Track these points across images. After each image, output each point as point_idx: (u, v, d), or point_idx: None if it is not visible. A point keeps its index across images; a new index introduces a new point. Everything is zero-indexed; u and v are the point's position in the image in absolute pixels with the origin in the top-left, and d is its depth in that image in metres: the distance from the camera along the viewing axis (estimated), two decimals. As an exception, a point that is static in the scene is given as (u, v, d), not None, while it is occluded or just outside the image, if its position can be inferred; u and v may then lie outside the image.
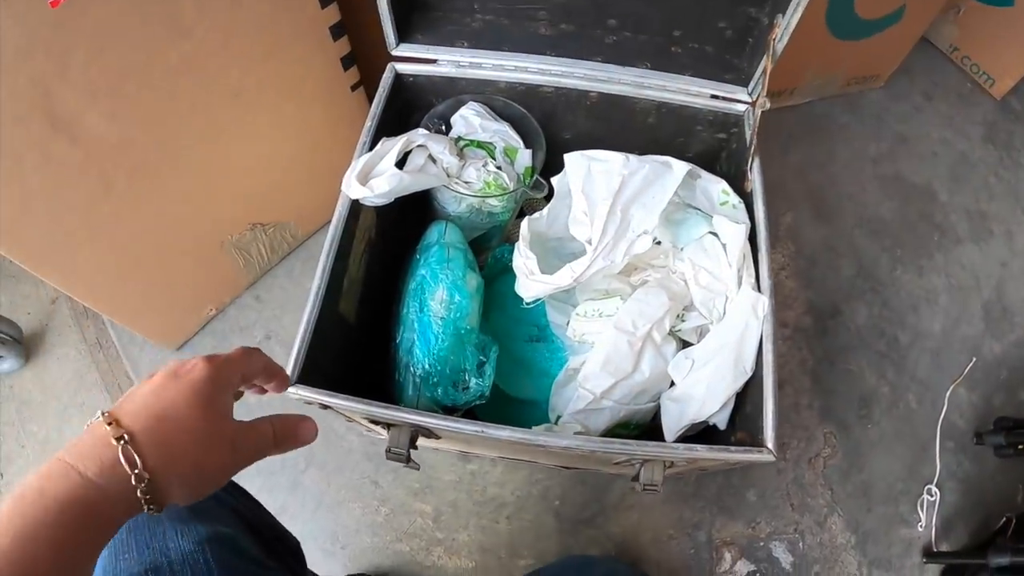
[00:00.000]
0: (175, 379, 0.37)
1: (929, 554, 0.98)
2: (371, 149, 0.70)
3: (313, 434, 0.43)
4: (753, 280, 0.66)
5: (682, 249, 0.72)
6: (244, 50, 0.79)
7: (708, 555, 0.97)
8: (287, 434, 0.41)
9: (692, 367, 0.66)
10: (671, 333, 0.70)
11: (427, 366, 0.65)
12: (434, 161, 0.72)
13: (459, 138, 0.77)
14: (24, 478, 0.32)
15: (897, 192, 1.27)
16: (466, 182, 0.74)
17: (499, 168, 0.75)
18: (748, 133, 0.74)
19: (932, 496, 1.01)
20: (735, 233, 0.66)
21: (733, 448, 0.59)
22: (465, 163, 0.74)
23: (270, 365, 0.44)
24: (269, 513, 0.59)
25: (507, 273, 0.89)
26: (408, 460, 0.63)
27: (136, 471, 0.33)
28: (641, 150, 0.83)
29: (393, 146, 0.69)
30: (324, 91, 0.93)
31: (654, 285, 0.71)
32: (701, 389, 0.64)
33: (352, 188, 0.66)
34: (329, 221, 0.66)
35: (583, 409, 0.68)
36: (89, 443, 0.33)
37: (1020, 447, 0.99)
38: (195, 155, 0.86)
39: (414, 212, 0.84)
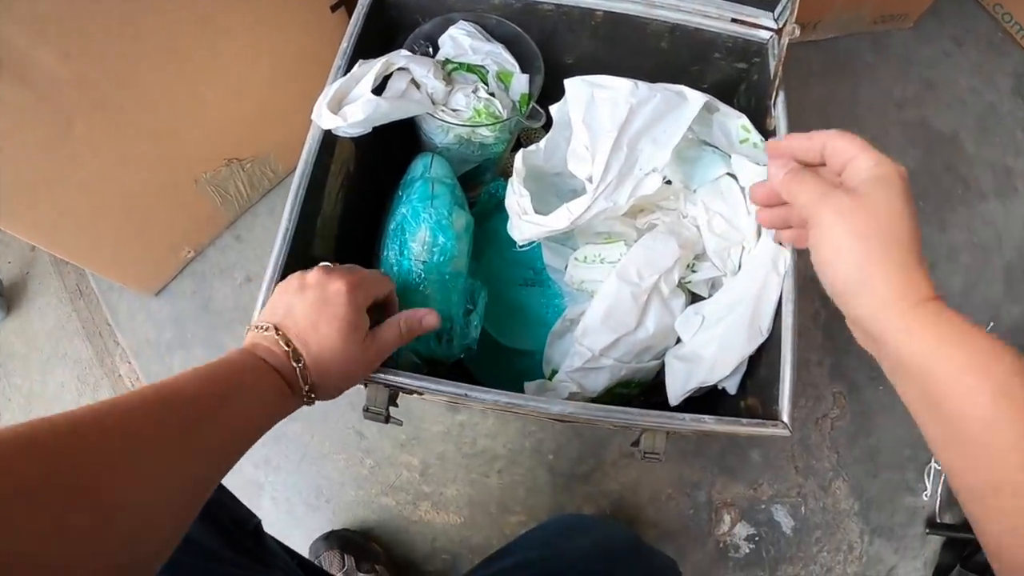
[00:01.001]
0: (326, 304, 0.44)
1: (932, 525, 0.96)
2: (347, 74, 0.62)
3: (438, 320, 0.52)
4: None
5: (695, 191, 0.64)
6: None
7: (707, 516, 0.95)
8: (412, 327, 0.51)
9: (702, 324, 0.60)
10: (680, 285, 0.64)
11: (407, 315, 0.58)
12: (417, 86, 0.64)
13: (447, 61, 0.69)
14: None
15: (922, 140, 1.20)
16: (454, 110, 0.66)
17: (491, 94, 0.67)
18: (772, 64, 0.66)
19: (939, 465, 0.97)
20: (756, 175, 0.59)
21: (744, 421, 0.54)
22: (453, 88, 0.66)
23: (391, 296, 0.52)
24: (228, 495, 0.55)
25: (501, 211, 0.82)
26: (388, 419, 0.58)
27: (306, 387, 0.43)
28: (650, 78, 0.75)
29: (370, 69, 0.61)
30: (301, 12, 0.84)
31: (663, 230, 0.63)
32: (711, 349, 0.58)
33: (323, 117, 0.59)
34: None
35: (580, 367, 0.63)
36: (268, 349, 0.43)
37: (1031, 419, 0.95)
38: (160, 88, 0.78)
39: (400, 142, 0.76)
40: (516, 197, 0.61)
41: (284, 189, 1.06)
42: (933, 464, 0.98)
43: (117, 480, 0.30)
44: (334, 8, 0.86)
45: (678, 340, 0.63)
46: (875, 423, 1.00)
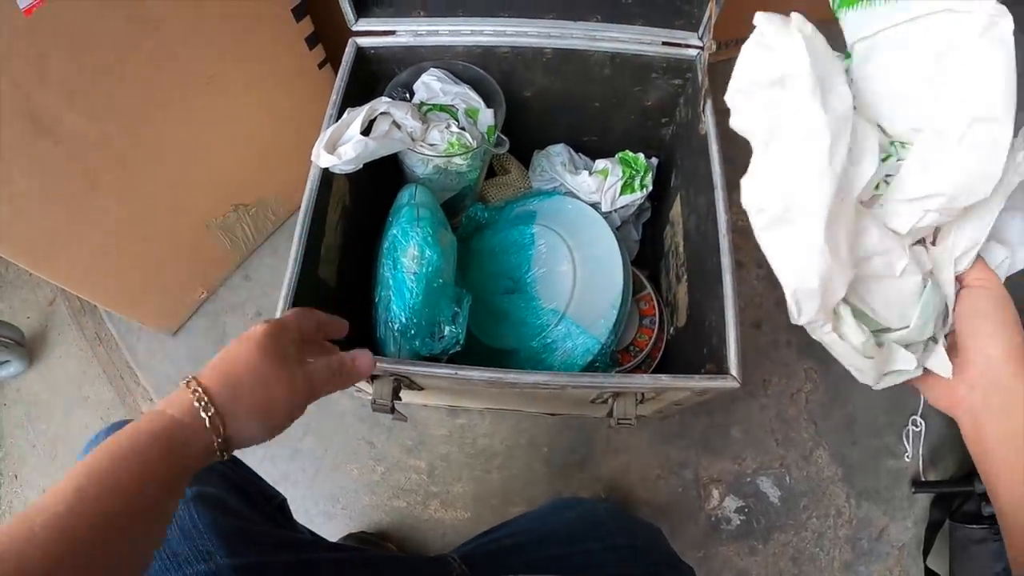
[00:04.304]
0: (240, 342, 0.44)
1: (918, 484, 0.99)
2: (338, 120, 0.73)
3: (370, 365, 0.51)
4: None
5: None
6: (212, 38, 0.82)
7: (696, 492, 1.00)
8: (343, 369, 0.50)
9: None
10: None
11: (404, 319, 0.68)
12: (398, 127, 0.75)
13: (422, 103, 0.80)
14: (38, 476, 0.38)
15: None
16: (431, 144, 0.76)
17: (462, 129, 0.77)
18: (700, 77, 0.77)
19: (917, 427, 1.02)
20: None
21: (697, 376, 0.61)
22: (428, 126, 0.77)
23: (322, 317, 0.54)
24: (257, 476, 0.63)
25: (481, 231, 0.92)
26: (393, 411, 0.66)
27: (210, 413, 0.40)
28: (601, 101, 0.86)
29: (358, 115, 0.72)
30: (292, 71, 0.96)
31: None
32: None
33: (321, 157, 0.69)
34: (309, 195, 0.69)
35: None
36: (176, 396, 0.41)
37: (1004, 374, 1.00)
38: (173, 143, 0.89)
39: (387, 178, 0.87)
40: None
41: (285, 231, 1.17)
42: (911, 427, 1.01)
43: None
44: (321, 65, 0.98)
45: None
46: (848, 394, 1.04)
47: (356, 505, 0.99)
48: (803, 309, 0.40)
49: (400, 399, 0.67)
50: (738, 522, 1.00)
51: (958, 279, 0.42)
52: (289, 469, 1.01)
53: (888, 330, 0.43)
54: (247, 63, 0.89)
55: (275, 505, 0.61)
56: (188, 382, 0.41)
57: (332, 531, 0.96)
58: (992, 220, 0.38)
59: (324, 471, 1.01)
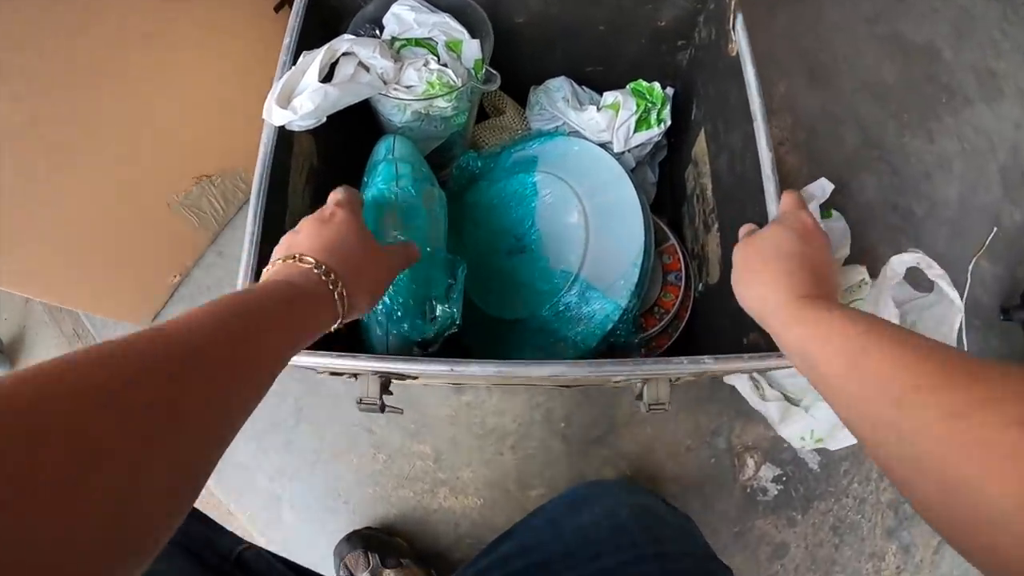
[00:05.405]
0: (326, 224, 0.47)
1: None
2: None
3: (418, 253, 0.56)
4: None
5: None
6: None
7: (730, 463, 0.93)
8: (408, 254, 0.54)
9: None
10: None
11: (387, 300, 0.57)
12: (366, 69, 0.63)
13: (393, 39, 0.67)
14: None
15: (897, 52, 1.18)
16: (407, 86, 0.64)
17: (443, 65, 0.65)
18: (727, -12, 0.64)
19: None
20: None
21: (746, 356, 0.52)
22: (403, 65, 0.64)
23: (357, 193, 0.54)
24: (211, 527, 0.56)
25: (475, 183, 0.81)
26: (383, 408, 0.57)
27: (339, 290, 0.43)
28: (605, 24, 0.74)
29: (314, 58, 0.59)
30: (244, 17, 0.84)
31: None
32: None
33: (273, 113, 0.58)
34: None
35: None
36: (295, 272, 0.42)
37: (1048, 320, 0.96)
38: (115, 115, 0.77)
39: (360, 130, 0.75)
40: None
41: (259, 199, 1.05)
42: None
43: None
44: (278, 8, 0.85)
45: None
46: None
47: (359, 498, 0.90)
48: None
49: (391, 393, 0.58)
50: (775, 492, 0.93)
51: None
52: (284, 462, 0.92)
53: None
54: (190, 13, 0.77)
55: (232, 561, 0.54)
56: (303, 260, 0.43)
57: (336, 527, 0.88)
58: None
59: (322, 462, 0.92)
